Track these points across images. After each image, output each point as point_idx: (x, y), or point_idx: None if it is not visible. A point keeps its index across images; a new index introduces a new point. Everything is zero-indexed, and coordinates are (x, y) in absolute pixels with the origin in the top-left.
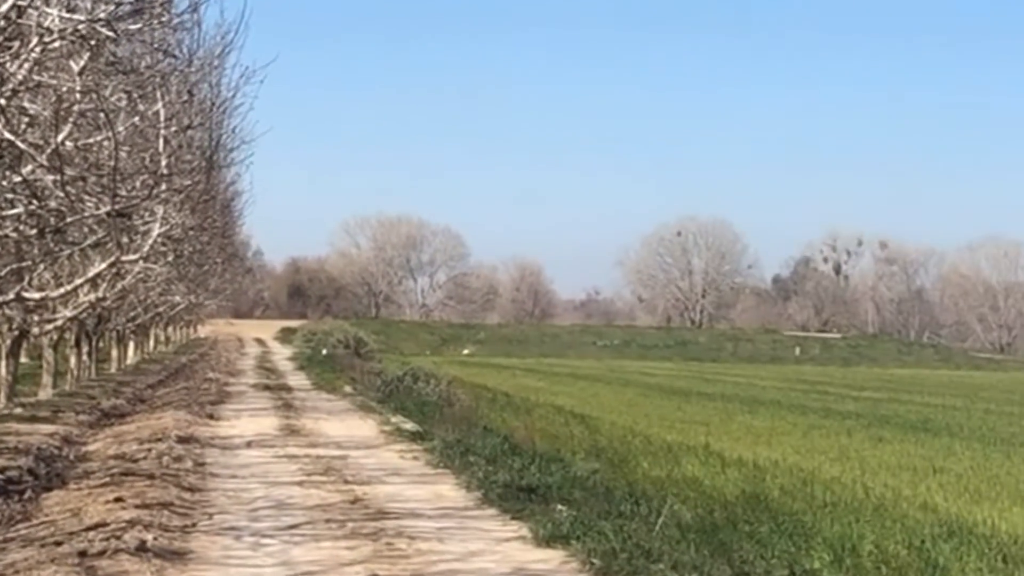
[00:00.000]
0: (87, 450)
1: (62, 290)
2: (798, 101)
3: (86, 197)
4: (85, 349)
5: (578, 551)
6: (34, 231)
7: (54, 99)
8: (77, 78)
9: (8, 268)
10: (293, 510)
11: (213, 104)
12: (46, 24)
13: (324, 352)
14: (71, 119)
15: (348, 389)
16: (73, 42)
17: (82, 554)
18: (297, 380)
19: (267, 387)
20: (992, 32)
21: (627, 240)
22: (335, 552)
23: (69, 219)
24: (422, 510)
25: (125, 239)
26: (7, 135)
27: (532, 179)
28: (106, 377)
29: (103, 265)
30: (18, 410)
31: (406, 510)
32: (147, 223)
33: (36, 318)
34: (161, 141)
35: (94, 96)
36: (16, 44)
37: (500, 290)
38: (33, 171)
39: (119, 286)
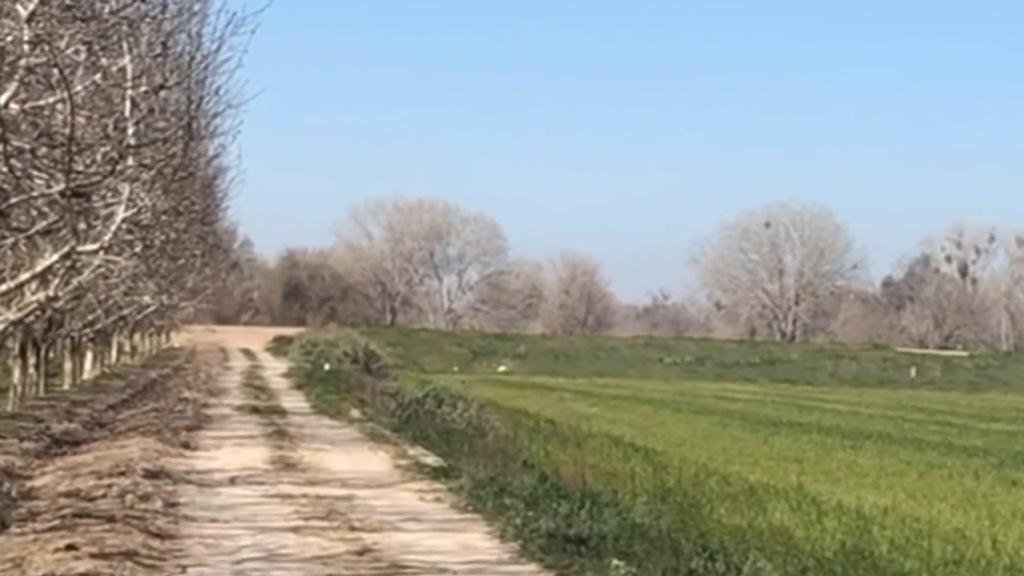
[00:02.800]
0: (33, 485)
1: (4, 287)
2: (914, 63)
3: (35, 173)
4: (32, 360)
5: None
6: None
7: None
8: (25, 26)
9: None
10: (286, 563)
11: (192, 59)
12: None
13: (327, 367)
14: (17, 76)
15: (356, 413)
16: None
17: None
18: (293, 402)
19: (256, 410)
20: None
21: (702, 232)
22: None
23: (14, 199)
24: (446, 564)
25: (82, 225)
26: None
27: (584, 156)
28: (57, 395)
29: (55, 257)
30: None
31: (427, 564)
32: (109, 205)
33: None
34: (128, 104)
35: (46, 48)
36: None
37: (545, 293)
38: None
39: (74, 283)
